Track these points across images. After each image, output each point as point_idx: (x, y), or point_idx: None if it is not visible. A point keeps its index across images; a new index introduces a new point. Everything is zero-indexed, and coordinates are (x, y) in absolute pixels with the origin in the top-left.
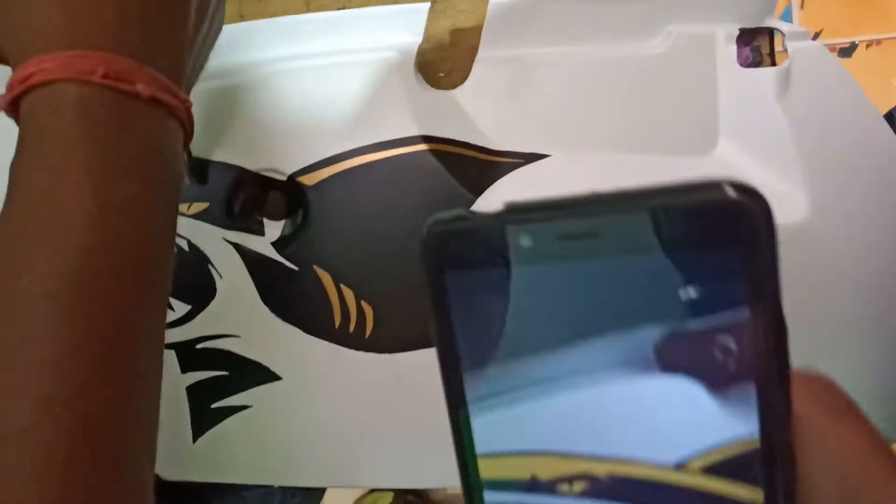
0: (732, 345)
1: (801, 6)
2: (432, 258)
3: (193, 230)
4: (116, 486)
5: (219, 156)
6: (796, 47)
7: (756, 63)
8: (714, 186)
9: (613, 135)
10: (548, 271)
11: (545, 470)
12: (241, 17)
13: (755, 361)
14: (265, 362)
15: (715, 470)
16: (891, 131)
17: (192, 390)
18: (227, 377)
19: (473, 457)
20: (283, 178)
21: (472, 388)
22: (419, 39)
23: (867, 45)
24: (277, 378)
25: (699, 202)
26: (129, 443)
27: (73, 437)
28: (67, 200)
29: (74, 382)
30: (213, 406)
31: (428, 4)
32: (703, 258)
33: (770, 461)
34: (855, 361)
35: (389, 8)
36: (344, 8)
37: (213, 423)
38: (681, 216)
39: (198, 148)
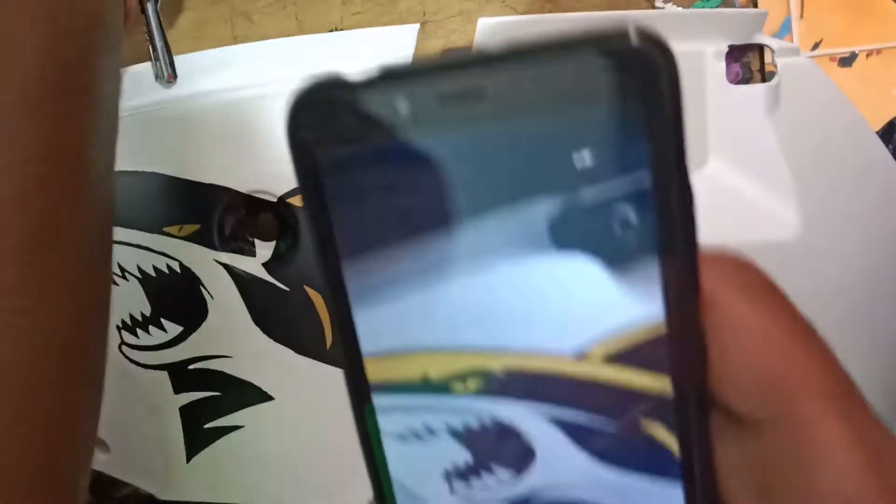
0: (633, 217)
1: (801, 16)
2: (300, 132)
3: (185, 252)
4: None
5: (209, 177)
6: (786, 63)
7: (746, 80)
8: (614, 34)
9: None
10: (429, 143)
11: (436, 368)
12: (234, 40)
13: (658, 235)
14: (257, 382)
15: (618, 358)
16: (883, 147)
17: (185, 411)
18: (219, 397)
19: (359, 357)
20: (274, 199)
21: (353, 281)
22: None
23: (867, 55)
24: (270, 398)
25: (593, 51)
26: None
27: None
28: None
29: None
30: (206, 426)
31: (416, 25)
32: (599, 118)
33: (677, 347)
34: None
35: (377, 30)
36: (335, 30)
37: (206, 444)
38: (573, 68)
39: (188, 170)
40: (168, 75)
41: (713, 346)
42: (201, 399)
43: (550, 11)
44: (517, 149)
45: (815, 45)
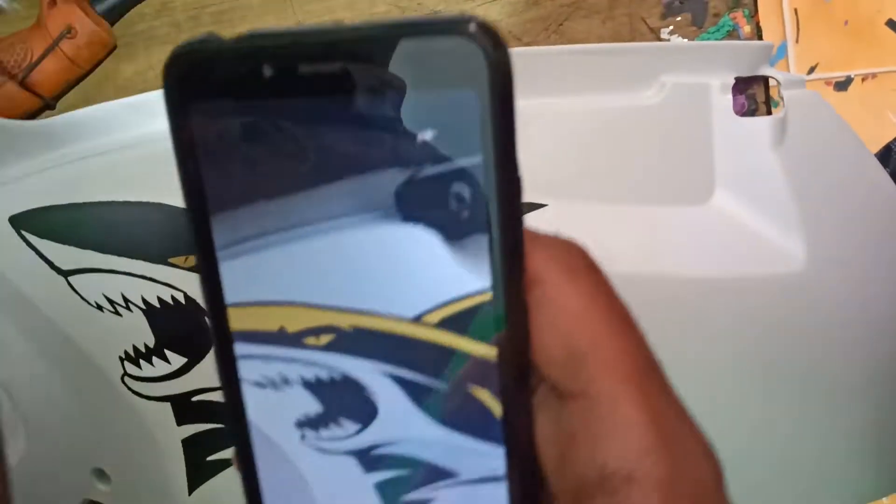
0: (466, 193)
1: (796, 41)
2: (174, 86)
3: (189, 283)
4: None
5: None
6: (791, 95)
7: (752, 112)
8: (457, 22)
9: (609, 185)
10: (289, 106)
11: (293, 321)
12: None
13: (487, 213)
14: None
15: (450, 324)
16: (889, 179)
17: (187, 443)
18: (222, 430)
19: (222, 306)
20: None
21: (220, 233)
22: None
23: (863, 79)
24: None
25: (437, 36)
26: None
27: None
28: None
29: None
30: (208, 459)
31: None
32: (440, 98)
33: (501, 316)
34: (852, 414)
35: None
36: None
37: (208, 476)
38: (421, 50)
39: None
40: None
41: (534, 321)
42: (204, 431)
43: (556, 43)
44: (370, 119)
45: (811, 70)
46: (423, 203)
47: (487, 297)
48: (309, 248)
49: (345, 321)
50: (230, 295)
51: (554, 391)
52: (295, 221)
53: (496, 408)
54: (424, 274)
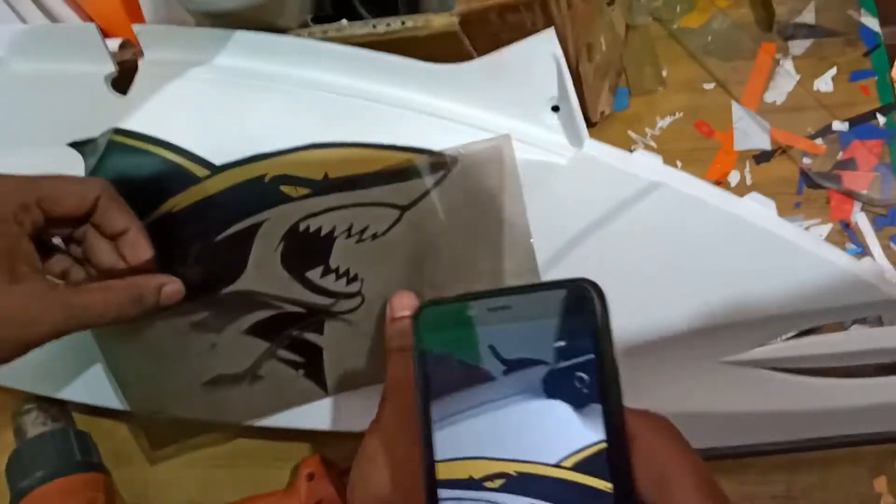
0: (585, 378)
1: None
2: (418, 320)
3: None
4: None
5: None
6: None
7: None
8: (585, 281)
9: None
10: (482, 330)
11: (477, 471)
12: None
13: (599, 390)
14: None
15: (579, 466)
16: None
17: None
18: None
19: (433, 462)
20: None
21: (435, 412)
22: None
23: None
24: None
25: (563, 290)
26: None
27: None
28: None
29: None
30: None
31: None
32: (568, 323)
33: (612, 458)
34: None
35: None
36: None
37: None
38: (557, 297)
39: None
40: None
41: (634, 461)
42: None
43: None
44: (526, 336)
45: None
46: (559, 385)
47: (603, 446)
48: (488, 419)
49: (511, 468)
50: (438, 453)
51: None
52: (478, 402)
53: None
54: (560, 432)
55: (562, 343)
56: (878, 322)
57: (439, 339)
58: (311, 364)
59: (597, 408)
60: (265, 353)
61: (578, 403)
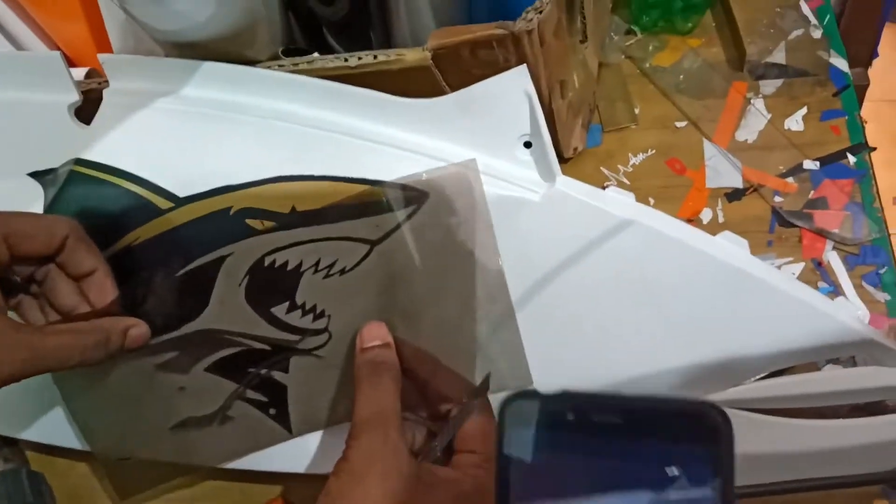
0: None
1: None
2: (504, 415)
3: None
4: None
5: None
6: None
7: None
8: (699, 404)
9: None
10: (581, 438)
11: None
12: None
13: None
14: None
15: None
16: None
17: None
18: None
19: None
20: None
21: None
22: None
23: None
24: None
25: (688, 409)
26: None
27: None
28: None
29: None
30: None
31: None
32: (686, 449)
33: None
34: None
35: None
36: None
37: None
38: (676, 416)
39: None
40: None
41: None
42: None
43: None
44: (635, 455)
45: None
46: None
47: None
48: None
49: None
50: None
51: None
52: None
53: None
54: None
55: (675, 470)
56: (852, 362)
57: (529, 438)
58: (276, 403)
59: None
60: (233, 394)
61: None
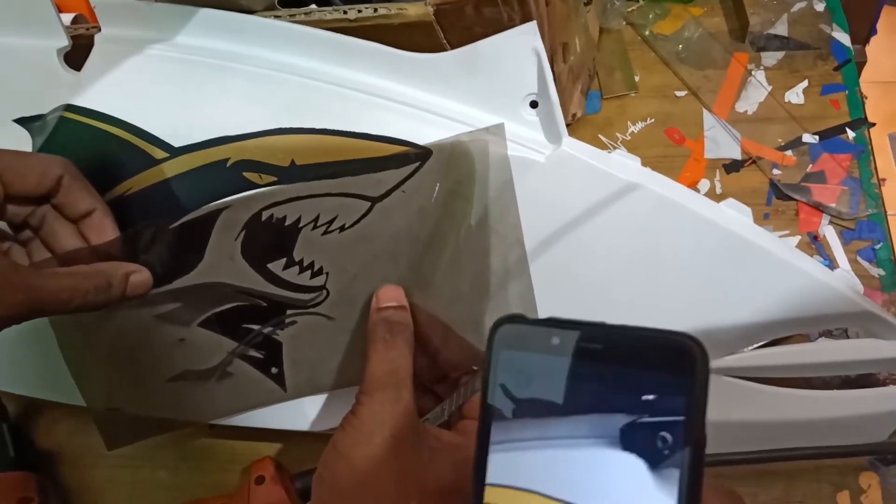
0: (669, 439)
1: None
2: (495, 336)
3: None
4: None
5: None
6: None
7: None
8: (679, 335)
9: None
10: (564, 362)
11: None
12: None
13: (681, 457)
14: None
15: None
16: None
17: None
18: None
19: (483, 483)
20: None
21: (495, 433)
22: None
23: None
24: None
25: (668, 341)
26: None
27: None
28: None
29: None
30: None
31: None
32: (661, 376)
33: None
34: None
35: None
36: None
37: None
38: (655, 346)
39: None
40: None
41: None
42: None
43: None
44: (613, 379)
45: None
46: (638, 440)
47: None
48: (550, 454)
49: None
50: (490, 476)
51: None
52: (544, 435)
53: None
54: (629, 487)
55: (651, 396)
56: (844, 335)
57: (515, 360)
58: (272, 361)
59: (672, 472)
60: (234, 350)
61: (654, 463)
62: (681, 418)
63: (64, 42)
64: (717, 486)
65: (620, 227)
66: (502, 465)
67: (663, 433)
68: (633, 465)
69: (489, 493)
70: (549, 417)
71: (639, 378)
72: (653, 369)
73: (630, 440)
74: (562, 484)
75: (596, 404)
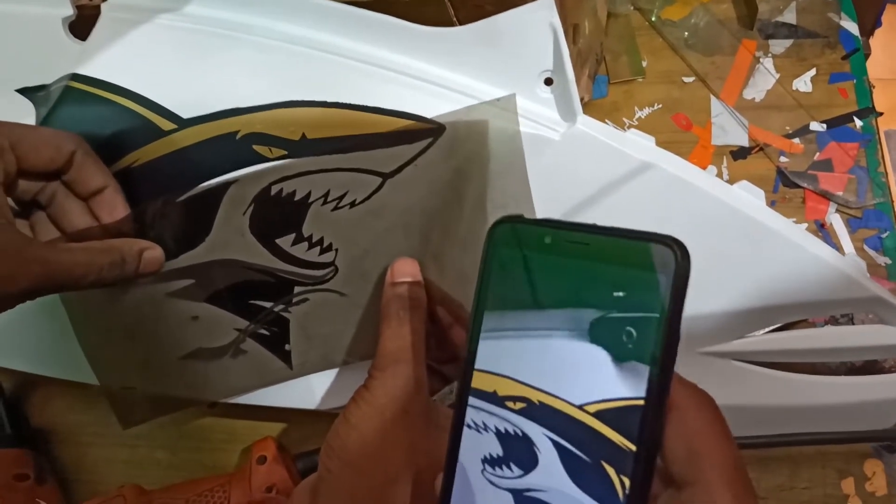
0: (635, 334)
1: None
2: (491, 236)
3: None
4: None
5: None
6: None
7: None
8: (663, 237)
9: None
10: (552, 259)
11: (502, 388)
12: None
13: (651, 352)
14: None
15: (602, 415)
16: None
17: None
18: None
19: (472, 369)
20: None
21: (486, 322)
22: None
23: None
24: None
25: (651, 242)
26: None
27: None
28: None
29: None
30: None
31: None
32: (639, 274)
33: (645, 420)
34: None
35: None
36: None
37: None
38: (639, 248)
39: None
40: None
41: (667, 430)
42: None
43: None
44: (592, 275)
45: None
46: (606, 333)
47: (634, 403)
48: (528, 344)
49: (534, 396)
50: (477, 363)
51: (673, 483)
52: (525, 326)
53: (620, 485)
54: (593, 378)
55: (621, 293)
56: (850, 322)
57: (508, 256)
58: (284, 338)
59: (638, 366)
60: (248, 328)
61: (620, 357)
62: (654, 314)
63: (69, 11)
64: (690, 386)
65: (634, 206)
66: (485, 352)
67: (629, 328)
68: (598, 357)
69: (474, 378)
70: (530, 310)
71: (616, 276)
72: (631, 268)
73: (598, 334)
74: (533, 371)
75: (572, 299)
